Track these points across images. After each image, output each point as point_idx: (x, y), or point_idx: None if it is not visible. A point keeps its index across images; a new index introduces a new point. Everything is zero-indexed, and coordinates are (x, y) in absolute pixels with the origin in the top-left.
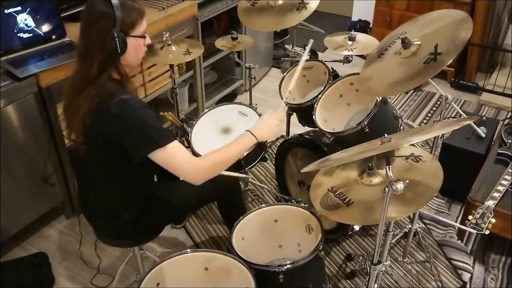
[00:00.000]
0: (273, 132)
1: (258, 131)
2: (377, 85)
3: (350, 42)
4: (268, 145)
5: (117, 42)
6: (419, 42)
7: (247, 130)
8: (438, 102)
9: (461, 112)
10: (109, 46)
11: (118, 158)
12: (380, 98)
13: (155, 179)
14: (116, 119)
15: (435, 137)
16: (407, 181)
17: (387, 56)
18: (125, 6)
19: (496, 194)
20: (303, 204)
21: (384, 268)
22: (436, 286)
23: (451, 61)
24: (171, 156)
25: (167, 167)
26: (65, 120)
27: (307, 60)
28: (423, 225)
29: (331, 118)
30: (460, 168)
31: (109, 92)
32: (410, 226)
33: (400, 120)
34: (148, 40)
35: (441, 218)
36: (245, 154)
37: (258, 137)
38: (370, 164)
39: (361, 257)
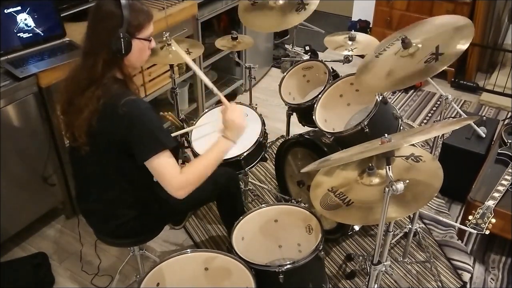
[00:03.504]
0: (243, 127)
1: (233, 135)
2: (376, 82)
3: (350, 42)
4: (268, 145)
5: (122, 42)
6: (420, 44)
7: (222, 136)
8: (438, 102)
9: (461, 112)
10: (114, 46)
11: (122, 159)
12: (380, 98)
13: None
14: (124, 119)
15: (435, 137)
16: (407, 181)
17: (386, 55)
18: (133, 7)
19: (496, 194)
20: (303, 204)
21: (384, 268)
22: (436, 286)
23: (451, 63)
24: (163, 164)
25: (159, 173)
26: (65, 119)
27: (307, 60)
28: (423, 225)
29: (331, 118)
30: (460, 168)
31: (115, 92)
32: (410, 226)
33: (400, 120)
34: (153, 44)
35: (441, 218)
36: (245, 153)
37: (235, 139)
38: (370, 164)
39: (361, 257)
